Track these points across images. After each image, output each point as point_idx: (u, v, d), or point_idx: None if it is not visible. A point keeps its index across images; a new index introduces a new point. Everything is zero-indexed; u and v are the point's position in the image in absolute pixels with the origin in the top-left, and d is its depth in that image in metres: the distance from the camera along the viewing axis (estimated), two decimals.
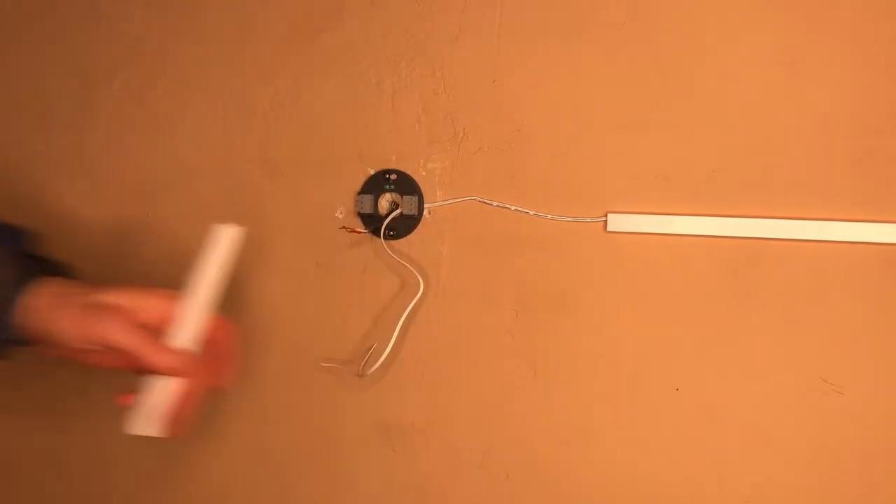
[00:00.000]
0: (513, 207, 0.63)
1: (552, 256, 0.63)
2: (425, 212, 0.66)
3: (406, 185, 0.65)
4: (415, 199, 0.65)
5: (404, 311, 0.66)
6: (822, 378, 0.59)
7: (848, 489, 0.59)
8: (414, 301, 0.66)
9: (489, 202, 0.64)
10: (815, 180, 0.58)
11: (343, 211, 0.68)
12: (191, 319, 0.51)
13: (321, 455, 0.71)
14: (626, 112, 0.61)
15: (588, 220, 0.62)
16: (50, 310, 0.50)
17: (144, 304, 0.52)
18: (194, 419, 0.52)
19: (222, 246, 0.53)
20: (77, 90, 0.73)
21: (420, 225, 0.66)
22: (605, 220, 0.61)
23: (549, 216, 0.63)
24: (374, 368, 0.66)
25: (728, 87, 0.59)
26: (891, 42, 0.56)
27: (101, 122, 0.73)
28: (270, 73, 0.68)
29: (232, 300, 0.72)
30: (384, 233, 0.65)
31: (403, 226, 0.66)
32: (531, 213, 0.63)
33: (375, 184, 0.66)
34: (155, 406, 0.51)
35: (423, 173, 0.65)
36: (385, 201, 0.66)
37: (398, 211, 0.65)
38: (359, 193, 0.67)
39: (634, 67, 0.60)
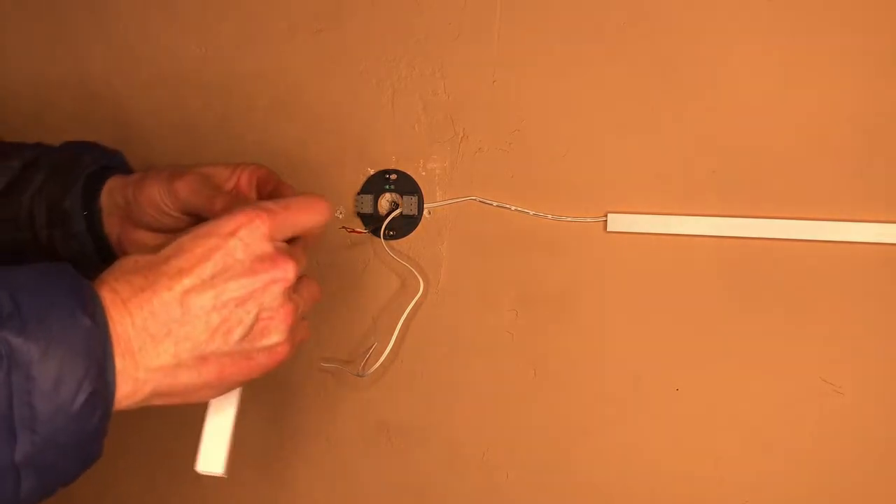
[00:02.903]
0: (513, 207, 0.63)
1: (552, 256, 0.63)
2: (425, 212, 0.66)
3: (406, 185, 0.65)
4: (415, 199, 0.65)
5: (404, 311, 0.66)
6: (822, 378, 0.59)
7: (848, 489, 0.59)
8: (414, 301, 0.66)
9: (489, 202, 0.64)
10: (815, 180, 0.58)
11: (343, 211, 0.67)
12: None
13: (321, 455, 0.71)
14: (626, 112, 0.61)
15: (588, 220, 0.62)
16: (141, 179, 0.52)
17: (233, 175, 0.53)
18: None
19: None
20: (76, 90, 0.73)
21: (420, 225, 0.66)
22: (605, 220, 0.61)
23: (549, 216, 0.63)
24: (374, 368, 0.66)
25: (728, 86, 0.59)
26: (892, 42, 0.55)
27: (100, 123, 0.73)
28: (270, 73, 0.68)
29: None
30: (384, 233, 0.65)
31: (403, 226, 0.66)
32: (531, 213, 0.63)
33: (375, 184, 0.66)
34: (220, 440, 0.46)
35: (423, 173, 0.65)
36: (385, 201, 0.66)
37: (398, 211, 0.65)
38: (359, 193, 0.67)
39: (635, 67, 0.60)
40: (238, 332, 0.40)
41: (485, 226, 0.64)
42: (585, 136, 0.62)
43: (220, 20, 0.69)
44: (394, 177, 0.66)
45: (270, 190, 0.54)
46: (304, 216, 0.44)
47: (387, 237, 0.65)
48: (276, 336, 0.41)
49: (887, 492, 0.59)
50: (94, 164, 0.55)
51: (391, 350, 0.66)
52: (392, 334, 0.66)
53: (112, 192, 0.53)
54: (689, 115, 0.59)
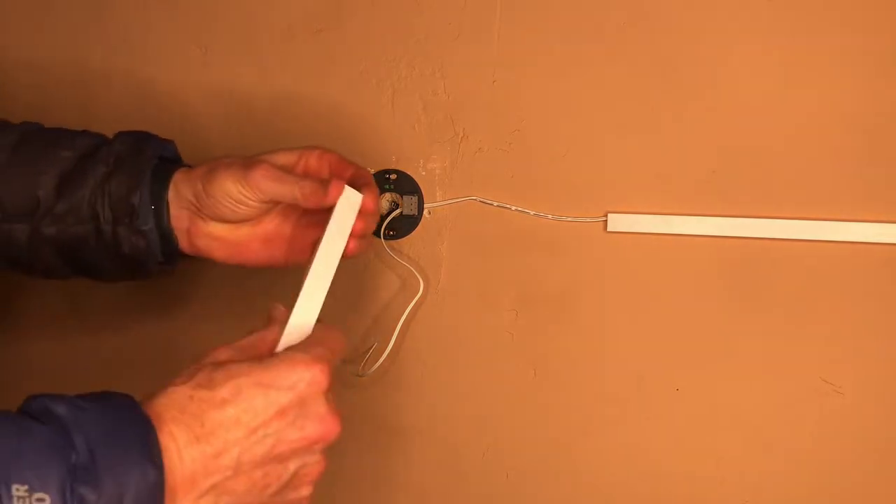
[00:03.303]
0: (513, 207, 0.63)
1: (552, 256, 0.63)
2: (425, 212, 0.66)
3: (406, 185, 0.65)
4: (415, 199, 0.65)
5: (404, 311, 0.66)
6: (822, 378, 0.59)
7: (848, 489, 0.59)
8: (414, 301, 0.66)
9: (489, 202, 0.64)
10: (815, 180, 0.58)
11: None
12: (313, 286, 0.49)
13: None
14: (626, 112, 0.61)
15: (588, 220, 0.62)
16: (210, 172, 0.52)
17: (300, 160, 0.54)
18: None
19: (347, 210, 0.51)
20: (75, 90, 0.73)
21: (420, 225, 0.66)
22: (605, 220, 0.61)
23: (550, 216, 0.63)
24: (374, 368, 0.66)
25: (728, 86, 0.59)
26: (891, 42, 0.55)
27: (100, 123, 0.73)
28: (270, 73, 0.68)
29: (232, 301, 0.72)
30: (384, 233, 0.65)
31: (403, 226, 0.66)
32: (531, 213, 0.63)
33: (375, 184, 0.66)
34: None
35: (423, 173, 0.65)
36: (385, 201, 0.66)
37: (398, 211, 0.65)
38: None
39: (635, 67, 0.60)
40: (274, 488, 0.40)
41: (485, 226, 0.64)
42: (585, 136, 0.62)
43: (220, 20, 0.69)
44: (394, 177, 0.66)
45: (350, 177, 0.54)
46: (339, 354, 0.46)
47: (387, 237, 0.65)
48: (305, 490, 0.42)
49: (887, 492, 0.59)
50: (154, 156, 0.55)
51: (391, 350, 0.66)
52: (392, 334, 0.66)
53: (178, 187, 0.53)
54: (689, 115, 0.60)
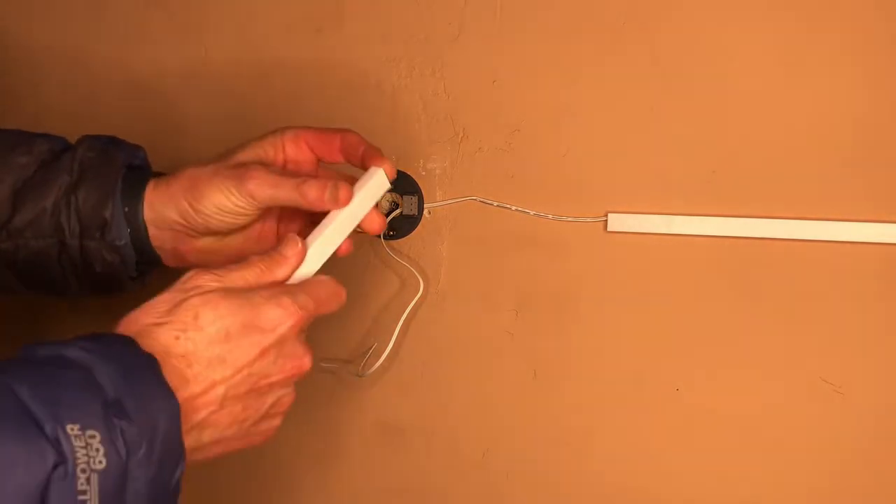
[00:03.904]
0: (513, 207, 0.63)
1: (552, 256, 0.63)
2: (425, 212, 0.66)
3: (406, 185, 0.65)
4: (415, 199, 0.65)
5: (404, 311, 0.66)
6: (822, 378, 0.59)
7: (848, 489, 0.59)
8: (414, 301, 0.66)
9: (489, 202, 0.64)
10: (815, 180, 0.58)
11: None
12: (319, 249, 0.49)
13: (321, 455, 0.71)
14: (625, 112, 0.61)
15: (588, 220, 0.62)
16: (193, 188, 0.49)
17: (276, 153, 0.52)
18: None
19: (372, 187, 0.51)
20: (75, 91, 0.73)
21: (420, 225, 0.66)
22: (605, 220, 0.61)
23: (550, 216, 0.63)
24: (374, 368, 0.66)
25: (728, 86, 0.59)
26: (892, 42, 0.55)
27: (100, 123, 0.73)
28: (270, 73, 0.68)
29: None
30: (384, 233, 0.65)
31: (403, 226, 0.66)
32: (531, 213, 0.63)
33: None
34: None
35: (423, 173, 0.65)
36: (385, 201, 0.66)
37: (398, 211, 0.65)
38: None
39: (634, 67, 0.60)
40: (252, 420, 0.43)
41: (485, 226, 0.64)
42: (585, 136, 0.62)
43: (220, 20, 0.69)
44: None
45: (338, 148, 0.53)
46: (327, 307, 0.47)
47: (387, 237, 0.65)
48: (277, 420, 0.45)
49: (887, 492, 0.59)
50: (125, 164, 0.52)
51: (391, 350, 0.66)
52: (392, 334, 0.66)
53: (155, 206, 0.50)
54: (689, 115, 0.59)
